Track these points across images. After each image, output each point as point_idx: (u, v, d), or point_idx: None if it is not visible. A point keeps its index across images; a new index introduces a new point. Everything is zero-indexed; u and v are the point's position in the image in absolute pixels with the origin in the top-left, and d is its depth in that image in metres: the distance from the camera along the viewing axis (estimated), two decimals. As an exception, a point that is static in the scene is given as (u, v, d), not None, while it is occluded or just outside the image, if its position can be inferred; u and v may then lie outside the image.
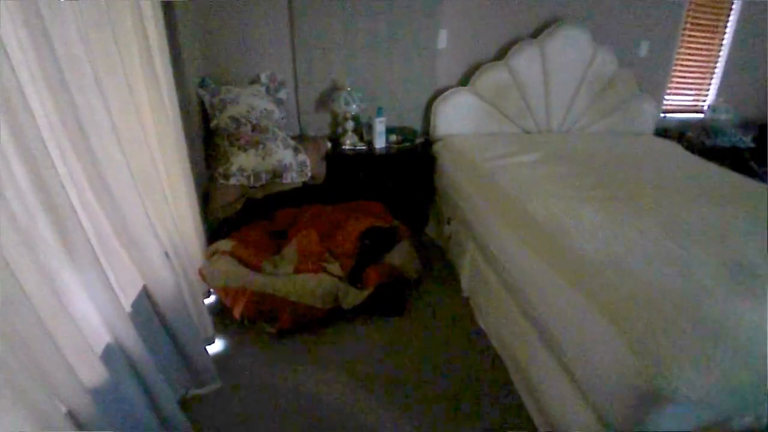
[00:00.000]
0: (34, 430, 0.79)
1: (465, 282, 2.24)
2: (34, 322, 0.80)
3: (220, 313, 2.00)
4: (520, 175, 2.12)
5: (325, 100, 2.75)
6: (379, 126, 2.62)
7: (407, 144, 2.75)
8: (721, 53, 3.49)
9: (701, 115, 3.63)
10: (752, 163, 3.37)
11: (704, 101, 3.67)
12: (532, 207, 1.79)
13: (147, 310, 1.32)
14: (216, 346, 1.85)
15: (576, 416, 1.35)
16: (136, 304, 1.25)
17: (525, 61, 2.82)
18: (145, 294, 1.32)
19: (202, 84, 2.40)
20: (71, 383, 0.90)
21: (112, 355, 1.08)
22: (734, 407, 1.18)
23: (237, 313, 1.87)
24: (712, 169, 2.40)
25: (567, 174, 2.15)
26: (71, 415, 0.91)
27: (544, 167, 2.25)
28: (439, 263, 2.57)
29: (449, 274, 2.45)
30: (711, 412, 1.18)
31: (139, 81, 1.44)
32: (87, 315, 1.02)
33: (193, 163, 1.96)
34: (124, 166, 1.19)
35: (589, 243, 1.52)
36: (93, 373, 0.98)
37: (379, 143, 2.66)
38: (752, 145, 3.41)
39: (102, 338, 1.07)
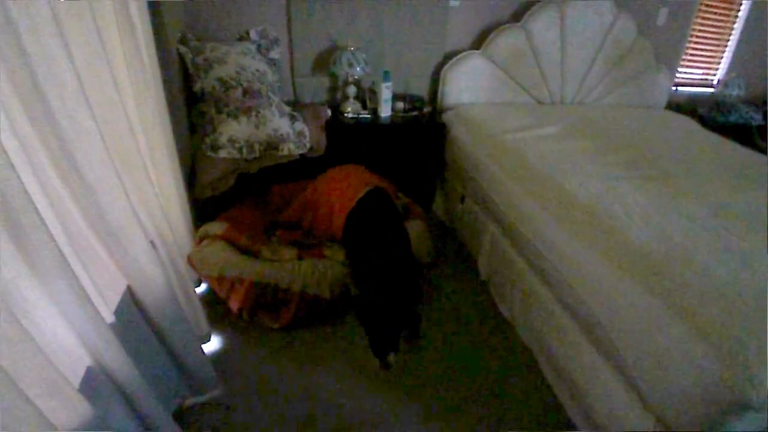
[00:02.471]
0: None
1: (483, 266, 2.06)
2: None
3: (213, 304, 1.76)
4: (547, 150, 1.93)
5: (322, 62, 2.45)
6: (386, 92, 2.35)
7: (415, 113, 2.49)
8: (735, 26, 3.32)
9: (711, 90, 3.49)
10: (758, 141, 3.27)
11: (714, 75, 3.53)
12: (571, 186, 1.61)
13: (133, 317, 1.08)
14: (212, 344, 1.62)
15: (628, 417, 1.23)
16: (119, 312, 1.00)
17: (543, 24, 2.58)
18: (130, 297, 1.07)
19: (183, 41, 2.07)
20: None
21: (94, 382, 0.84)
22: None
23: (234, 305, 1.64)
24: (738, 149, 2.28)
25: (594, 150, 1.99)
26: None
27: (569, 142, 2.07)
28: (450, 244, 2.37)
29: (462, 256, 2.27)
30: None
31: (111, 26, 1.14)
32: (58, 336, 0.78)
33: (176, 133, 1.67)
34: (95, 136, 0.92)
35: (642, 230, 1.36)
36: (71, 412, 0.75)
37: (385, 111, 2.40)
38: (763, 122, 3.30)
39: (80, 362, 0.83)
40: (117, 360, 0.89)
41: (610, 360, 1.28)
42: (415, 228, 1.94)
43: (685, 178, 1.76)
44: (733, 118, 3.20)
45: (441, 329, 1.81)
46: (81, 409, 0.76)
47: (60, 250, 0.75)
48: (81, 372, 0.83)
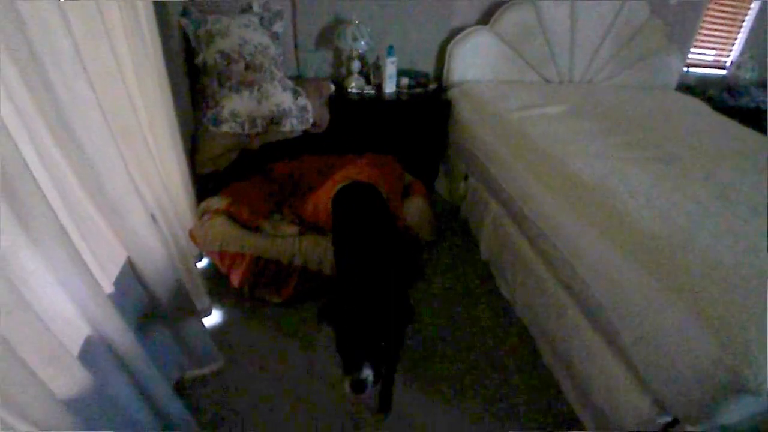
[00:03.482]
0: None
1: (485, 245, 2.06)
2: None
3: (215, 279, 1.77)
4: (552, 130, 1.90)
5: (326, 37, 2.40)
6: (390, 67, 2.30)
7: (419, 89, 2.45)
8: (751, 6, 3.21)
9: (723, 72, 3.40)
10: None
11: (727, 57, 3.43)
12: (576, 166, 1.58)
13: (133, 288, 1.08)
14: (213, 318, 1.63)
15: (626, 399, 1.24)
16: (119, 282, 1.01)
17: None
18: (130, 268, 1.08)
19: (185, 12, 2.02)
20: (42, 400, 0.67)
21: (93, 351, 0.85)
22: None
23: (235, 280, 1.65)
24: (746, 132, 2.23)
25: (600, 130, 1.96)
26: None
27: (575, 121, 2.04)
28: (452, 223, 2.37)
29: (464, 235, 2.27)
30: None
31: (110, -4, 1.11)
32: (57, 305, 0.78)
33: (178, 106, 1.65)
34: (94, 106, 0.90)
35: (645, 211, 1.35)
36: (71, 380, 0.76)
37: (389, 87, 2.36)
38: (775, 106, 3.22)
39: (79, 332, 0.84)
40: (116, 330, 0.90)
41: (609, 341, 1.29)
42: (416, 206, 1.93)
43: (692, 160, 1.73)
44: (744, 101, 3.13)
45: (441, 306, 1.82)
46: (80, 377, 0.77)
47: (58, 220, 0.74)
48: (80, 341, 0.84)
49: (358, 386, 1.02)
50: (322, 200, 1.62)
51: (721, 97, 3.17)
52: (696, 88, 3.25)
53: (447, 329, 1.72)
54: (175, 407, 1.16)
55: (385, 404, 1.39)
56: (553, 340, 1.53)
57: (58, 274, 0.76)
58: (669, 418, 1.15)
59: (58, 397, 0.71)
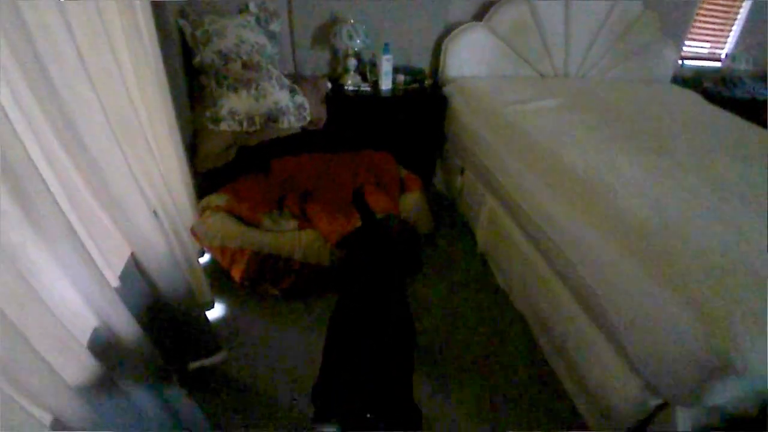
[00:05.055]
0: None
1: (481, 238, 2.09)
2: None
3: (217, 274, 1.81)
4: (546, 123, 1.93)
5: (323, 35, 2.42)
6: (386, 64, 2.33)
7: (415, 85, 2.48)
8: (745, -1, 3.23)
9: (718, 64, 3.42)
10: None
11: (722, 49, 3.45)
12: (569, 158, 1.61)
13: (138, 282, 1.12)
14: (216, 311, 1.68)
15: (617, 384, 1.27)
16: (124, 276, 1.04)
17: (548, -6, 2.52)
18: (134, 263, 1.11)
19: (182, 14, 2.05)
20: (54, 386, 0.71)
21: (101, 341, 0.89)
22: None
23: (237, 275, 1.69)
24: (741, 123, 2.25)
25: (594, 123, 1.99)
26: (58, 423, 0.73)
27: (569, 115, 2.07)
28: (449, 217, 2.40)
29: (461, 229, 2.30)
30: (763, 381, 1.10)
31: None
32: (65, 298, 0.82)
33: (177, 105, 1.68)
34: (96, 107, 0.94)
35: (636, 200, 1.38)
36: (80, 368, 0.79)
37: (385, 84, 2.39)
38: (770, 97, 3.24)
39: (87, 323, 0.88)
40: (122, 321, 0.94)
41: (603, 328, 1.32)
42: (412, 200, 1.97)
43: (686, 151, 1.76)
44: (739, 93, 3.15)
45: (439, 297, 1.86)
46: (90, 365, 0.80)
47: (65, 216, 0.78)
48: (88, 333, 0.88)
49: None
50: (334, 229, 1.67)
51: (716, 88, 3.19)
52: (692, 80, 3.27)
53: (445, 320, 1.75)
54: (181, 399, 1.20)
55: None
56: (549, 328, 1.57)
57: (65, 269, 0.80)
58: (660, 401, 1.19)
59: (69, 385, 0.75)
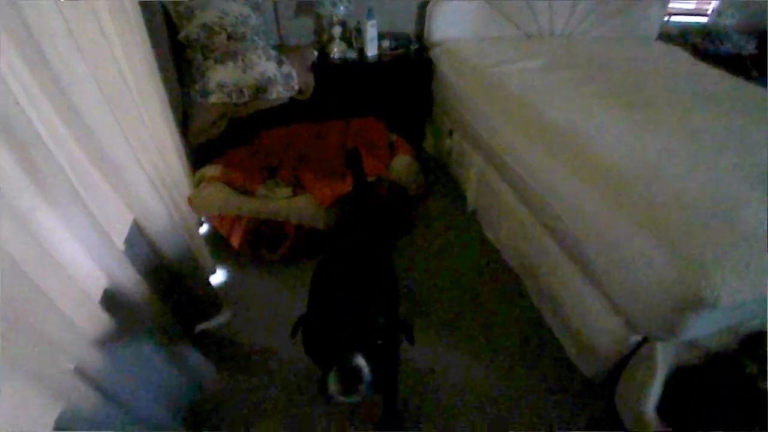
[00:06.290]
0: (41, 394, 0.68)
1: (471, 196, 2.16)
2: (16, 275, 0.65)
3: (216, 242, 1.87)
4: (531, 81, 1.97)
5: (306, 4, 2.40)
6: (371, 30, 2.33)
7: (401, 50, 2.49)
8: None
9: (705, 19, 3.41)
10: (753, 71, 3.24)
11: (708, 4, 3.43)
12: (552, 114, 1.67)
13: (142, 246, 1.17)
14: (218, 277, 1.75)
15: (601, 323, 1.35)
16: (128, 241, 1.10)
17: (531, -48, 2.49)
18: (137, 228, 1.17)
19: (163, -11, 2.03)
20: (73, 338, 0.78)
21: (113, 300, 0.95)
22: (753, 312, 1.19)
23: (235, 242, 1.75)
24: (725, 77, 2.27)
25: (578, 80, 2.02)
26: (79, 371, 0.80)
27: (554, 73, 2.09)
28: (440, 178, 2.46)
29: (452, 189, 2.36)
30: (736, 316, 1.19)
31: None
32: (76, 259, 0.87)
33: (166, 81, 1.69)
34: (90, 80, 0.97)
35: (614, 150, 1.44)
36: (95, 322, 0.86)
37: (371, 50, 2.40)
38: (755, 51, 3.25)
39: (98, 283, 0.94)
40: (131, 281, 1.00)
41: (585, 272, 1.39)
42: (402, 163, 2.02)
43: (667, 105, 1.79)
44: (725, 48, 3.15)
45: (432, 253, 1.94)
46: (102, 319, 0.87)
47: (70, 181, 0.83)
48: (100, 292, 0.94)
49: (352, 376, 0.78)
50: (327, 193, 1.74)
51: (703, 44, 3.19)
52: (678, 37, 3.26)
53: (437, 275, 1.83)
54: (193, 356, 1.28)
55: (391, 418, 1.17)
56: (536, 276, 1.65)
57: (75, 232, 0.85)
58: (640, 337, 1.26)
59: (88, 337, 0.81)
